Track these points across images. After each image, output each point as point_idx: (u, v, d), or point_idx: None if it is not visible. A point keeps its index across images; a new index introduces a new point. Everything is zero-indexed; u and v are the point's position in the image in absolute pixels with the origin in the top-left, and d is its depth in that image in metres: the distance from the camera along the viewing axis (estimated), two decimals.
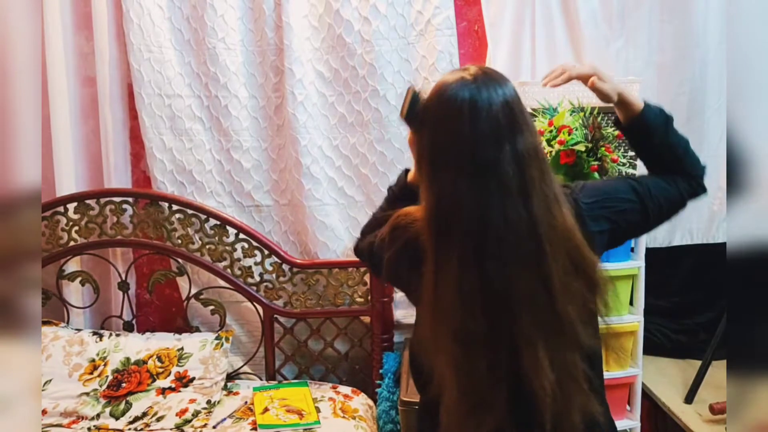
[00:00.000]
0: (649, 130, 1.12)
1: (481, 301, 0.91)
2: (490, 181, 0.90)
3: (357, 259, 1.29)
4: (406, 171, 1.23)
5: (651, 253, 1.90)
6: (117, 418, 1.80)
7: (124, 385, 1.87)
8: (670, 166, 1.13)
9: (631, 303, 1.84)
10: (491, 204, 0.90)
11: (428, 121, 0.97)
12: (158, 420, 1.80)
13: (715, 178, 2.05)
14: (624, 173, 1.80)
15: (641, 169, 1.90)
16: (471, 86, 0.92)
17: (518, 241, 0.91)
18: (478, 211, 0.91)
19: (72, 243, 2.07)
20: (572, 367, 0.92)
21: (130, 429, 1.78)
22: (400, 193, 1.23)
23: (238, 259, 2.07)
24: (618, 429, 1.86)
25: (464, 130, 0.91)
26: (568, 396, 0.92)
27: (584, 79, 1.13)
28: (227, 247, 2.06)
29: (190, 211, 2.05)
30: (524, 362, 0.90)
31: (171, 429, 1.77)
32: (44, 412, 1.81)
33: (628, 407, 1.87)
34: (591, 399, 0.94)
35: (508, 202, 0.90)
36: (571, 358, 0.92)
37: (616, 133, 1.69)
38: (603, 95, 1.13)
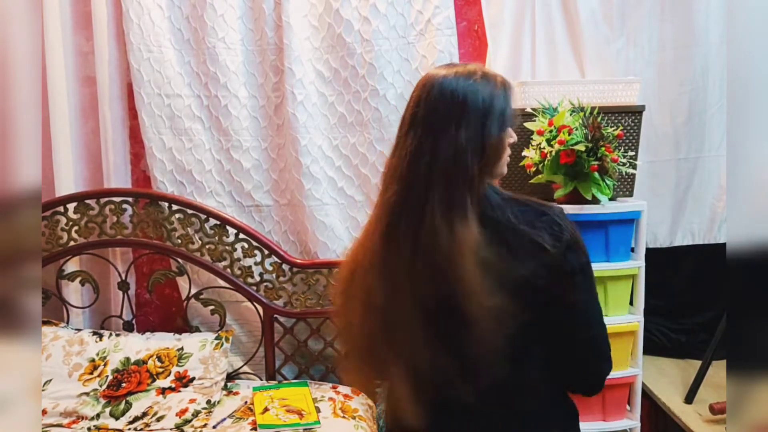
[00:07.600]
0: None
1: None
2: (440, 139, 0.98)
3: None
4: None
5: (651, 253, 1.90)
6: (117, 418, 1.80)
7: (124, 385, 1.87)
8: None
9: (631, 303, 1.84)
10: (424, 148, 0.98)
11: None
12: (158, 420, 1.80)
13: (716, 177, 2.05)
14: (624, 173, 1.80)
15: (641, 169, 1.91)
16: (451, 75, 1.00)
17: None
18: (418, 157, 0.98)
19: (72, 243, 2.07)
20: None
21: (130, 429, 1.78)
22: None
23: (238, 259, 2.07)
24: (618, 429, 1.86)
25: (421, 98, 1.00)
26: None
27: None
28: (227, 247, 2.06)
29: (189, 211, 2.05)
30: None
31: (171, 429, 1.77)
32: (44, 412, 1.81)
33: (628, 407, 1.87)
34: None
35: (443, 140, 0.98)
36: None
37: (617, 132, 1.70)
38: None
